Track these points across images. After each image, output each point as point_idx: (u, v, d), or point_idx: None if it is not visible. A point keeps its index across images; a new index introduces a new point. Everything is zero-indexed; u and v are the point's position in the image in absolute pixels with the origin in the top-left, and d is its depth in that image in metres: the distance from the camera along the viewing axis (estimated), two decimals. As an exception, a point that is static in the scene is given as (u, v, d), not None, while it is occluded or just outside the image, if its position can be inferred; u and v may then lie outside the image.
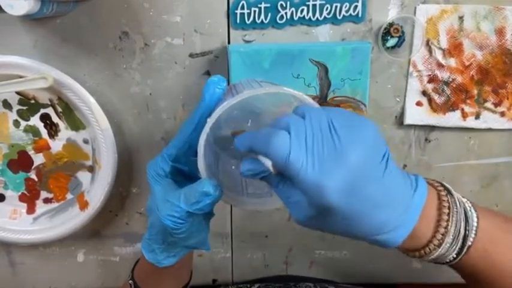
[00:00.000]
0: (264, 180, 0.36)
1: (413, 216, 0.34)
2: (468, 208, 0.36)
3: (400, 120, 0.60)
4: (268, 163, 0.34)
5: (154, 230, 0.43)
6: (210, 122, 0.36)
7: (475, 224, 0.35)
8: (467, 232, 0.35)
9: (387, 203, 0.33)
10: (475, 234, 0.35)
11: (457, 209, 0.35)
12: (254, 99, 0.36)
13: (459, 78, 0.58)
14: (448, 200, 0.35)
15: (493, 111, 0.59)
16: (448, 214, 0.35)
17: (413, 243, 0.35)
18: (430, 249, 0.35)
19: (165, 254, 0.44)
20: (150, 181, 0.43)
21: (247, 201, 0.43)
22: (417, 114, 0.59)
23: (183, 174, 0.43)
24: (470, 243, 0.35)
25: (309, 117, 0.33)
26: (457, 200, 0.36)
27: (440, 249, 0.35)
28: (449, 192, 0.36)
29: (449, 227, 0.34)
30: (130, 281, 0.49)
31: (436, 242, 0.34)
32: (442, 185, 0.37)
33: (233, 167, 0.46)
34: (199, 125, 0.38)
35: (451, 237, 0.34)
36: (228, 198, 0.41)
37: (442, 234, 0.34)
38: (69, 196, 0.61)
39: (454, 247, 0.35)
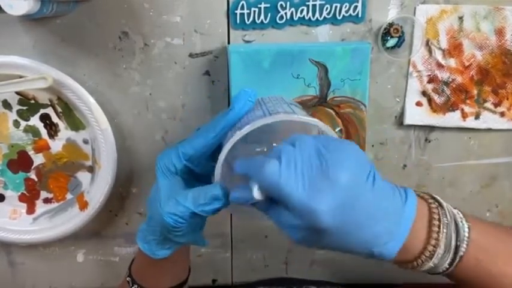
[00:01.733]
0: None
1: (404, 228, 0.35)
2: (459, 220, 0.37)
3: (400, 120, 0.60)
4: (254, 189, 0.35)
5: (153, 223, 0.43)
6: (240, 134, 0.37)
7: (466, 234, 0.36)
8: (458, 243, 0.35)
9: (378, 217, 0.34)
10: (467, 245, 0.36)
11: (447, 220, 0.36)
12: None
13: (459, 79, 0.58)
14: (438, 213, 0.36)
15: (493, 112, 0.59)
16: (439, 226, 0.35)
17: (405, 255, 0.36)
18: (422, 260, 0.36)
19: (159, 246, 0.45)
20: (158, 174, 0.43)
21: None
22: (417, 114, 0.59)
23: (193, 174, 0.43)
24: (462, 254, 0.36)
25: (299, 144, 0.35)
26: (447, 211, 0.36)
27: (432, 261, 0.35)
28: (439, 204, 0.37)
29: (440, 239, 0.35)
30: (128, 278, 0.49)
31: (427, 253, 0.35)
32: (433, 198, 0.38)
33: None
34: (222, 133, 0.40)
35: (442, 248, 0.35)
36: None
37: (434, 246, 0.35)
38: (69, 196, 0.61)
39: (446, 258, 0.36)
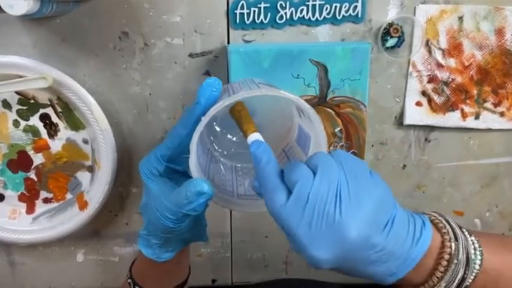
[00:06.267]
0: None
1: (406, 268, 0.33)
2: (472, 251, 0.34)
3: (399, 120, 0.60)
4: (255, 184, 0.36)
5: (152, 227, 0.43)
6: (204, 121, 0.36)
7: (477, 267, 0.34)
8: (465, 275, 0.34)
9: (384, 261, 0.33)
10: (475, 277, 0.34)
11: (457, 259, 0.34)
12: (250, 100, 0.36)
13: (459, 79, 0.58)
14: (450, 252, 0.34)
15: (493, 112, 0.59)
16: (447, 264, 0.34)
17: (404, 283, 0.35)
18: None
19: (163, 249, 0.44)
20: (145, 180, 0.43)
21: (237, 202, 0.43)
22: (417, 114, 0.59)
23: (177, 172, 0.43)
24: (468, 284, 0.34)
25: (320, 176, 0.33)
26: (461, 246, 0.34)
27: None
28: (455, 236, 0.34)
29: (445, 275, 0.34)
30: (129, 280, 0.49)
31: (427, 285, 0.34)
32: (449, 224, 0.35)
33: (223, 169, 0.46)
34: (194, 128, 0.38)
35: (445, 281, 0.34)
36: (217, 198, 0.41)
37: (437, 279, 0.34)
38: (68, 196, 0.61)
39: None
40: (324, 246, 0.31)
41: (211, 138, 0.46)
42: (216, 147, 0.47)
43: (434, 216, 0.36)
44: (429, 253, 0.34)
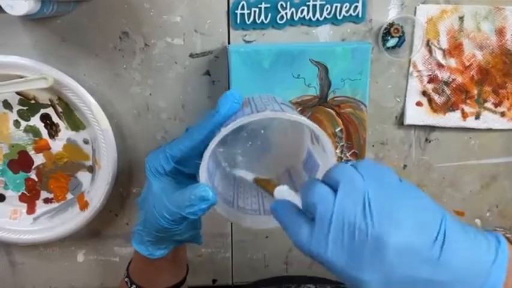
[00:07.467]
0: None
1: None
2: None
3: (400, 120, 0.60)
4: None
5: (147, 224, 0.43)
6: (224, 132, 0.36)
7: None
8: None
9: (452, 283, 0.28)
10: None
11: None
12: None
13: (459, 79, 0.58)
14: None
15: (493, 112, 0.60)
16: None
17: None
18: None
19: (156, 247, 0.45)
20: (149, 175, 0.43)
21: (236, 214, 0.43)
22: (417, 114, 0.59)
23: (183, 173, 0.43)
24: None
25: (342, 195, 0.29)
26: None
27: None
28: None
29: None
30: (126, 279, 0.49)
31: None
32: None
33: (228, 178, 0.46)
34: (210, 135, 0.38)
35: None
36: (219, 207, 0.41)
37: None
38: (69, 196, 0.61)
39: None
40: (365, 265, 0.28)
41: (220, 148, 0.46)
42: (224, 156, 0.47)
43: (504, 231, 0.32)
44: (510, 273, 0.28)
